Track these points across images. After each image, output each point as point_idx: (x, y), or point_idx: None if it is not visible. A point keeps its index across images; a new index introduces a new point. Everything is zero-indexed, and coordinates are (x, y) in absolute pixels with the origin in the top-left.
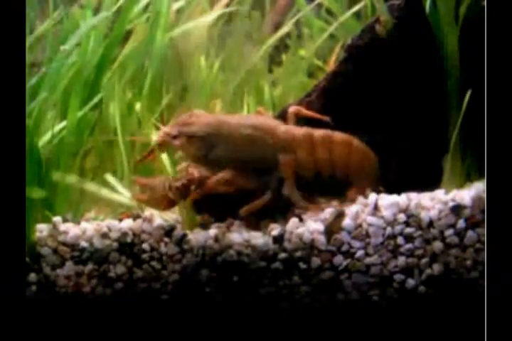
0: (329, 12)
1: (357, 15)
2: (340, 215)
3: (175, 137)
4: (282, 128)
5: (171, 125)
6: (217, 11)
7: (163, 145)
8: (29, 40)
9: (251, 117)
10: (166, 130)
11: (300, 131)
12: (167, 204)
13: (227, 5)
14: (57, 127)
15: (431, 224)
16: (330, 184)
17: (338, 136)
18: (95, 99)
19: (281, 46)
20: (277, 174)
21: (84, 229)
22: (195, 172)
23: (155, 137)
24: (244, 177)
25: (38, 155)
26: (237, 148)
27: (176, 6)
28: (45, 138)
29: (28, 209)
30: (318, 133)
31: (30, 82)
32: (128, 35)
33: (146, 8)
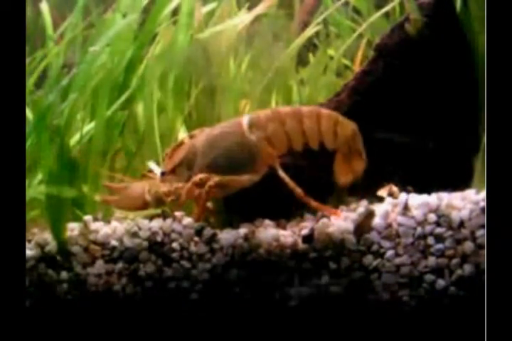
0: (356, 11)
1: (384, 13)
2: (370, 215)
3: (163, 175)
4: (247, 114)
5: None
6: (247, 13)
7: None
8: (63, 42)
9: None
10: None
11: (266, 110)
12: (140, 205)
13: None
14: (87, 127)
15: (462, 224)
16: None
17: (305, 108)
18: (122, 98)
19: (308, 46)
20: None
21: (115, 228)
22: (174, 184)
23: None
24: (232, 177)
25: (69, 154)
26: (214, 150)
27: (206, 8)
28: (76, 138)
29: (59, 208)
30: (285, 108)
31: (61, 83)
32: (154, 36)
33: (174, 10)
